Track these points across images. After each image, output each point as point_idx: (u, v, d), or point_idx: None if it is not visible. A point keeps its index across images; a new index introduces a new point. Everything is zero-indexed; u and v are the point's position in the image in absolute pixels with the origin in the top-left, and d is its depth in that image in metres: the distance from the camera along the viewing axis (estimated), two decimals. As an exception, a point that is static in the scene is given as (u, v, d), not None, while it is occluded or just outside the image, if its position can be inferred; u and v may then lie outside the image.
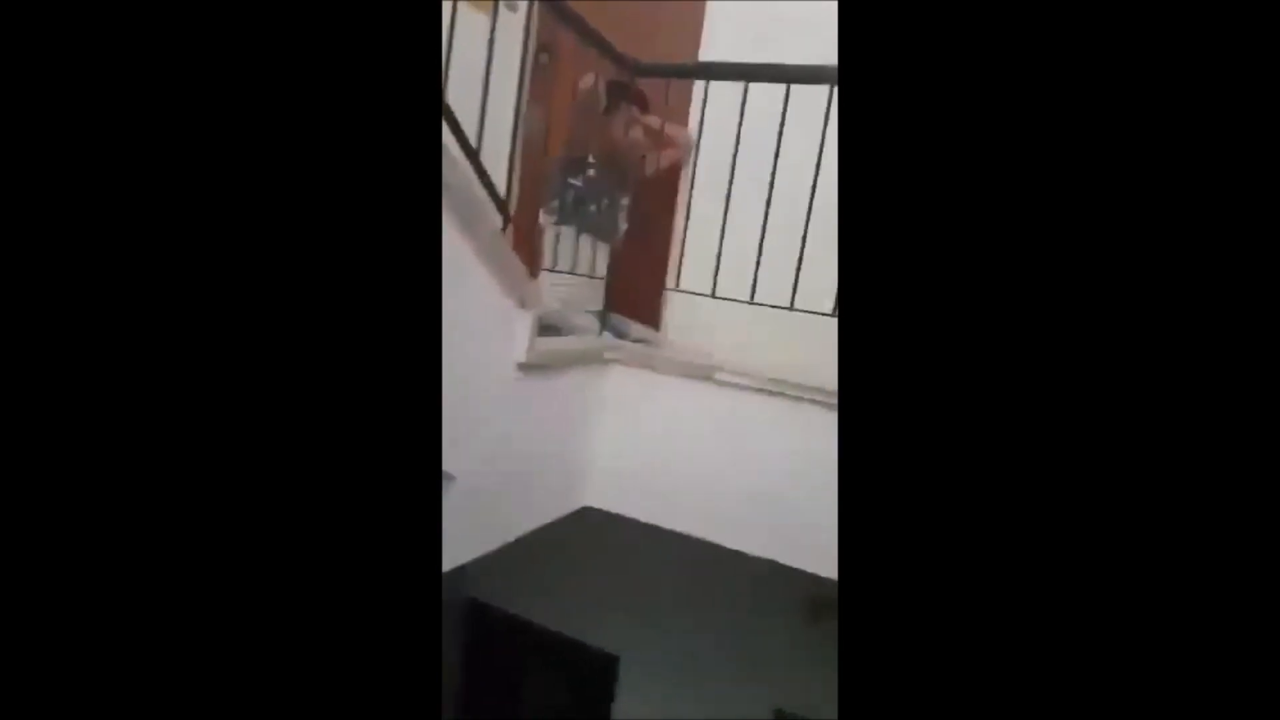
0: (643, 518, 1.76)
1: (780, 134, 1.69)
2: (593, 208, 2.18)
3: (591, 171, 2.18)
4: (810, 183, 1.66)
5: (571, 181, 2.15)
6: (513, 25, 1.47)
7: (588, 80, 2.01)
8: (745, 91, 1.70)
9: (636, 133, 2.33)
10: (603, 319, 2.26)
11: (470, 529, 1.47)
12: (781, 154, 1.70)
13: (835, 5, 2.03)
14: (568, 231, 2.12)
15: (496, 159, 1.45)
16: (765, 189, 1.71)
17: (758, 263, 1.74)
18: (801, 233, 1.68)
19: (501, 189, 1.48)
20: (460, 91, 1.24)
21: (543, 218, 2.27)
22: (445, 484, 1.40)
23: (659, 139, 2.39)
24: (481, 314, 1.32)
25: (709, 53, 2.34)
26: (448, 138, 1.19)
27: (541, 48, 2.50)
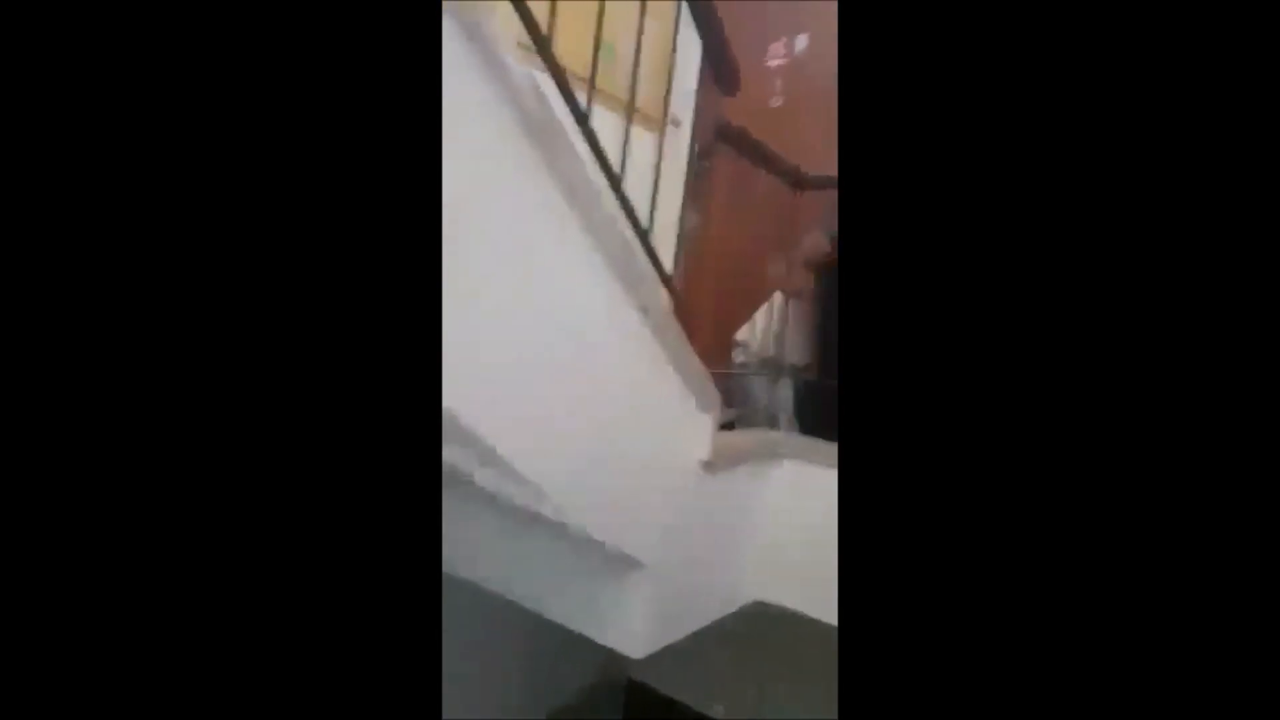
0: (811, 611, 1.78)
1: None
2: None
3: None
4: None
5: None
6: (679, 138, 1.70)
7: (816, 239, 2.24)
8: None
9: None
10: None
11: (655, 619, 1.56)
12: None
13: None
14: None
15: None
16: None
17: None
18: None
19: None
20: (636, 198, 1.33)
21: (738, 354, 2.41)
22: (635, 570, 1.45)
23: None
24: (668, 413, 1.44)
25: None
26: (628, 232, 1.27)
27: (702, 154, 2.73)
